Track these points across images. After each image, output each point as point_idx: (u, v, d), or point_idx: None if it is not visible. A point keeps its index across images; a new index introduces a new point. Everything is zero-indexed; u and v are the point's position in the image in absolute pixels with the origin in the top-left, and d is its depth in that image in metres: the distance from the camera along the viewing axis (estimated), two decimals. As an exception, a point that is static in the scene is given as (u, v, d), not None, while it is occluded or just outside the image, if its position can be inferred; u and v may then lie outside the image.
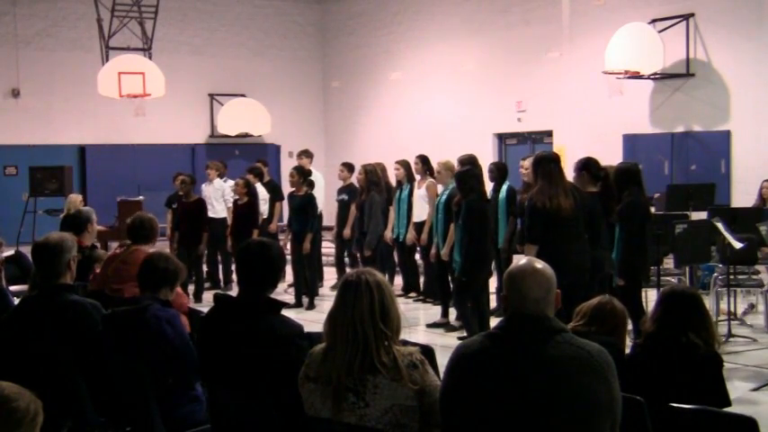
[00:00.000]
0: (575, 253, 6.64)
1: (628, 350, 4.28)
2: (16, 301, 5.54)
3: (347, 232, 11.15)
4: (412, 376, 3.06)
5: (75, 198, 11.20)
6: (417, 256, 10.92)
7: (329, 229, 12.32)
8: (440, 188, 9.53)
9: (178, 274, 4.50)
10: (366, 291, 3.12)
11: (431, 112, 17.20)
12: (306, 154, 12.22)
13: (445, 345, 7.86)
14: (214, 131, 18.52)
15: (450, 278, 8.92)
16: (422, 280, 10.93)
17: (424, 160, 10.37)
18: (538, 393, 2.71)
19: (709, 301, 7.44)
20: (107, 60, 15.02)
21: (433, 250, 9.39)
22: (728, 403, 3.87)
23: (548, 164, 6.87)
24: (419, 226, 10.20)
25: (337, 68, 19.70)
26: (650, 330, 4.01)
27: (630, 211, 7.17)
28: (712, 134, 13.26)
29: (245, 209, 11.07)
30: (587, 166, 7.31)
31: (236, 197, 11.29)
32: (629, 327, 7.27)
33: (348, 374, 3.06)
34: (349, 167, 11.55)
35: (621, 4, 14.08)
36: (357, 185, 11.29)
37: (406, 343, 3.21)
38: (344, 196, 11.27)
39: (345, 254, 11.47)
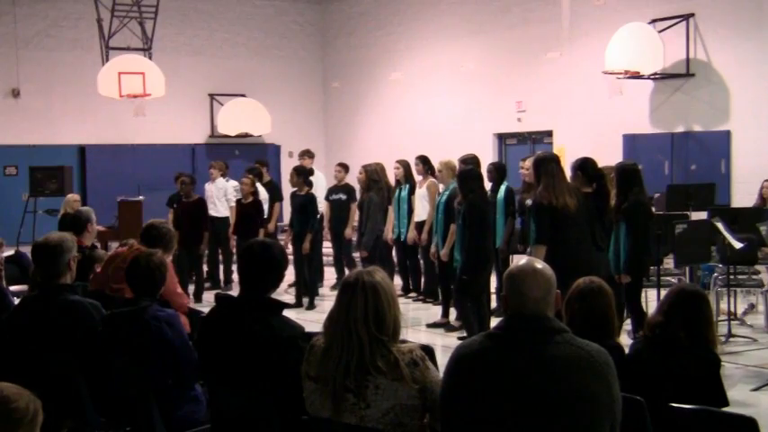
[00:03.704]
0: (585, 252, 6.61)
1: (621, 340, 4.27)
2: (16, 300, 5.54)
3: (348, 232, 11.15)
4: (413, 374, 3.05)
5: (72, 198, 11.20)
6: (419, 256, 10.92)
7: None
8: (441, 187, 9.53)
9: (166, 271, 4.54)
10: (361, 294, 3.11)
11: (431, 112, 17.19)
12: (308, 154, 12.24)
13: (446, 345, 7.87)
14: (214, 131, 18.51)
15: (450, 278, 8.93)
16: (422, 280, 10.94)
17: (424, 160, 10.38)
18: (538, 394, 2.71)
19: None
20: (107, 60, 15.00)
21: (433, 249, 9.39)
22: (726, 403, 3.88)
23: (550, 163, 6.88)
24: (420, 226, 10.20)
25: (337, 68, 19.69)
26: (655, 322, 4.02)
27: (636, 210, 7.19)
28: (712, 134, 13.25)
29: (250, 208, 11.06)
30: (583, 167, 7.32)
31: (241, 197, 11.29)
32: (629, 327, 7.35)
33: (345, 376, 3.06)
34: (345, 167, 11.55)
35: (621, 5, 14.07)
36: (353, 185, 11.30)
37: (404, 342, 3.21)
38: (342, 196, 11.26)
39: (341, 254, 11.43)
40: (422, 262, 10.76)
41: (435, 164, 9.68)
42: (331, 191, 11.44)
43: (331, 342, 3.13)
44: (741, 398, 6.12)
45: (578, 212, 6.71)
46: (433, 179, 10.00)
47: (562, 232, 6.61)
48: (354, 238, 11.36)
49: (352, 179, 11.47)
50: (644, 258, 7.30)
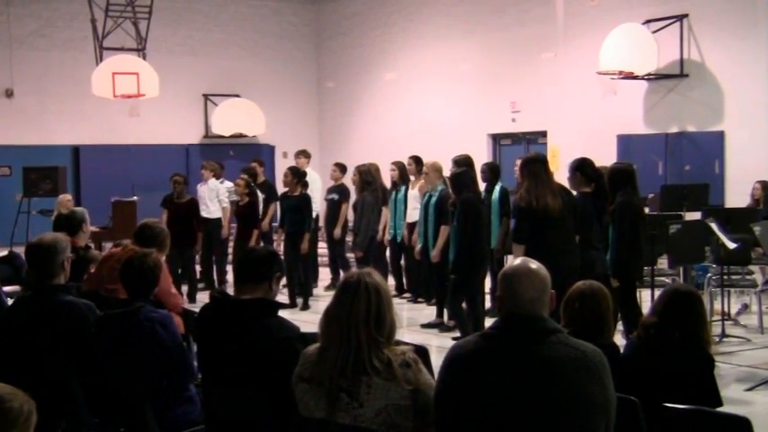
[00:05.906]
0: (565, 253, 6.63)
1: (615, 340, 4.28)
2: (10, 301, 5.53)
3: (337, 232, 11.13)
4: (406, 375, 3.05)
5: (65, 198, 11.17)
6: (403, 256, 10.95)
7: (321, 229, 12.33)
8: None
9: (160, 272, 4.53)
10: (364, 294, 3.10)
11: (425, 112, 17.19)
12: (304, 154, 12.23)
13: (440, 345, 7.87)
14: (208, 132, 18.49)
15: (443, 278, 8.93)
16: (405, 281, 10.99)
17: (417, 161, 10.39)
18: (532, 394, 2.72)
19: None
20: (101, 60, 14.98)
21: (417, 247, 9.44)
22: (720, 403, 3.89)
23: (534, 164, 6.88)
24: (412, 226, 10.20)
25: (332, 69, 19.68)
26: (649, 323, 4.03)
27: (623, 211, 7.12)
28: (706, 135, 13.28)
29: (245, 209, 11.04)
30: (581, 167, 7.31)
31: (237, 198, 11.27)
32: (621, 327, 7.35)
33: (341, 376, 3.06)
34: (341, 168, 11.57)
35: (616, 5, 14.09)
36: (348, 185, 11.31)
37: (398, 343, 3.21)
38: (334, 195, 11.28)
39: (336, 255, 11.43)
40: (403, 263, 10.82)
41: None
42: (327, 191, 11.50)
43: (328, 341, 3.12)
44: (735, 398, 6.13)
45: (562, 213, 6.71)
46: (424, 180, 10.03)
47: (543, 233, 6.61)
48: (348, 239, 11.38)
49: (349, 179, 11.48)
50: (629, 262, 7.09)
